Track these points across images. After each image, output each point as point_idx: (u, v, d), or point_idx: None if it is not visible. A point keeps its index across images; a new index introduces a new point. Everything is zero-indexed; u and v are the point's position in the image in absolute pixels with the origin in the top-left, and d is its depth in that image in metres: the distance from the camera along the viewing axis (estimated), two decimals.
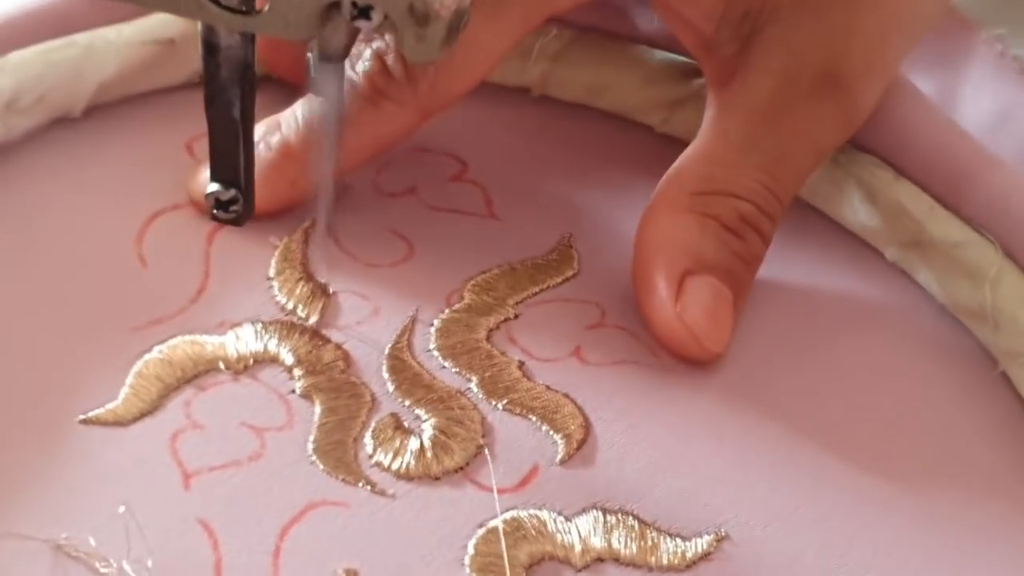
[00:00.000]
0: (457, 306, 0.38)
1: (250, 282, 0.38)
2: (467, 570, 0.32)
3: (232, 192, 0.35)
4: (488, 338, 0.38)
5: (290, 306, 0.38)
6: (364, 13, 0.32)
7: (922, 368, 0.39)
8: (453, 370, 0.37)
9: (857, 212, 0.42)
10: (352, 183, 0.42)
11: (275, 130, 0.39)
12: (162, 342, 0.36)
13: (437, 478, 0.34)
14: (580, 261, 0.40)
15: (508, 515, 0.33)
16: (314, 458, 0.34)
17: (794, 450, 0.36)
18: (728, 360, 0.38)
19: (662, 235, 0.38)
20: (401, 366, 0.37)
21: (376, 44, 0.38)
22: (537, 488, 0.34)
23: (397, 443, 0.35)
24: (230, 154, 0.34)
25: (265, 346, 0.36)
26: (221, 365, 0.36)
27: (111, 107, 0.43)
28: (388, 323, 0.38)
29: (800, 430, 0.36)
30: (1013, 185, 0.39)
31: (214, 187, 0.35)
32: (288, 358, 0.36)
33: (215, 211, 0.35)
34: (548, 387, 0.37)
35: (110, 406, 0.35)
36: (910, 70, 0.43)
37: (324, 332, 0.37)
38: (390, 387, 0.36)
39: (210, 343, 0.36)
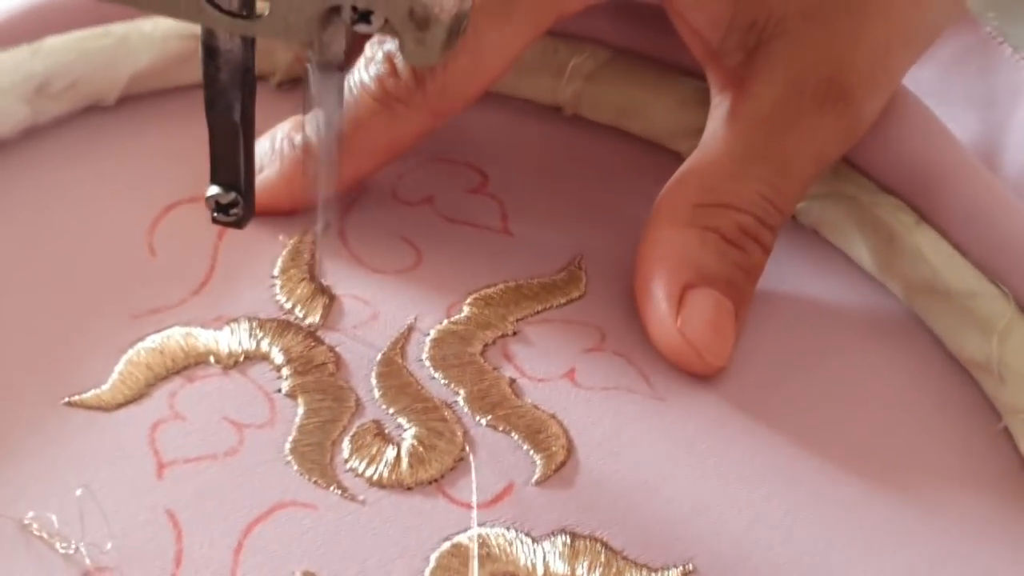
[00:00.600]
0: (456, 318, 0.38)
1: (254, 279, 0.39)
2: None
3: (232, 195, 0.35)
4: (483, 352, 0.37)
5: (289, 305, 0.38)
6: (364, 17, 0.32)
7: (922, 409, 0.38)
8: (442, 382, 0.37)
9: (874, 253, 0.41)
10: (370, 188, 0.42)
11: (300, 128, 0.39)
12: (158, 331, 0.37)
13: (410, 488, 0.34)
14: (588, 284, 0.40)
15: (472, 532, 0.33)
16: (289, 458, 0.34)
17: (776, 489, 0.35)
18: (717, 389, 0.38)
19: (663, 248, 0.38)
20: (390, 373, 0.37)
21: (387, 47, 0.38)
22: (509, 507, 0.34)
23: (374, 450, 0.35)
24: (231, 157, 0.34)
25: (258, 344, 0.37)
26: (212, 359, 0.36)
27: (144, 98, 0.44)
28: (385, 329, 0.38)
29: (785, 467, 0.36)
30: None
31: (214, 190, 0.35)
32: (278, 357, 0.36)
33: (215, 214, 0.35)
34: (536, 406, 0.36)
35: (97, 391, 0.35)
36: (955, 105, 0.42)
37: (319, 334, 0.37)
38: (376, 393, 0.36)
39: (204, 337, 0.37)
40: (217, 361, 0.36)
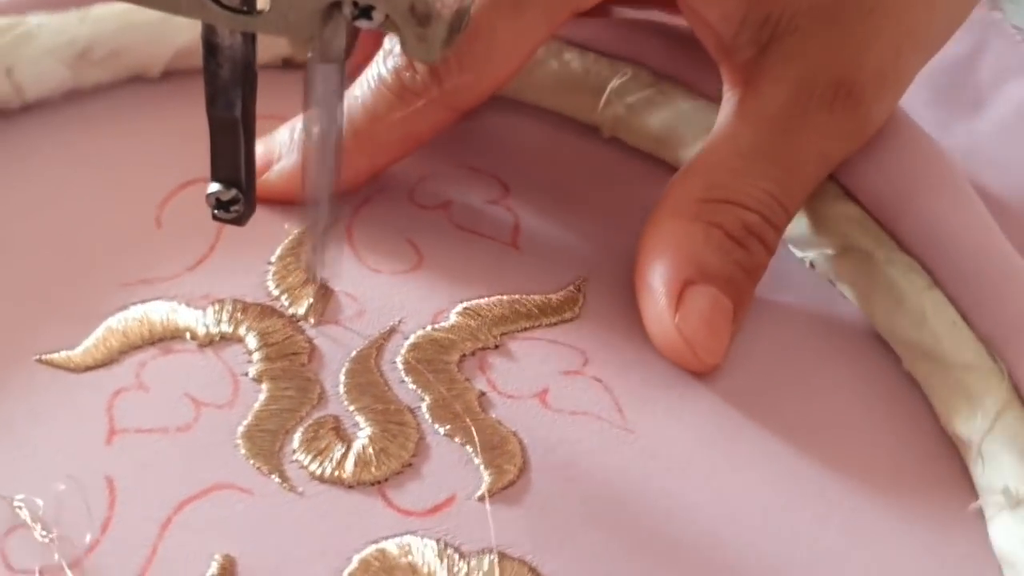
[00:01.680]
0: (440, 325, 0.38)
1: (250, 263, 0.39)
2: None
3: (233, 192, 0.35)
4: (460, 362, 0.37)
5: (276, 292, 0.38)
6: (365, 13, 0.32)
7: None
8: (411, 386, 0.36)
9: (883, 313, 0.39)
10: (388, 187, 0.42)
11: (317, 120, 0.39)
12: (143, 302, 0.37)
13: (351, 487, 0.34)
14: (584, 307, 0.39)
15: (402, 539, 0.33)
16: (239, 441, 0.34)
17: (718, 542, 0.34)
18: (691, 426, 0.37)
19: (666, 242, 0.38)
20: (360, 371, 0.36)
21: None
22: (445, 518, 0.34)
23: (323, 444, 0.35)
24: (231, 154, 0.34)
25: (236, 326, 0.37)
26: (188, 336, 0.37)
27: (191, 74, 0.45)
28: (367, 327, 0.38)
29: (731, 515, 0.35)
30: None
31: (215, 187, 0.35)
32: (253, 341, 0.37)
33: (216, 211, 0.35)
34: (499, 422, 0.36)
35: (68, 352, 0.36)
36: None
37: (300, 324, 0.37)
38: (341, 389, 0.36)
39: (186, 314, 0.37)
40: (193, 338, 0.36)
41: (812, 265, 0.42)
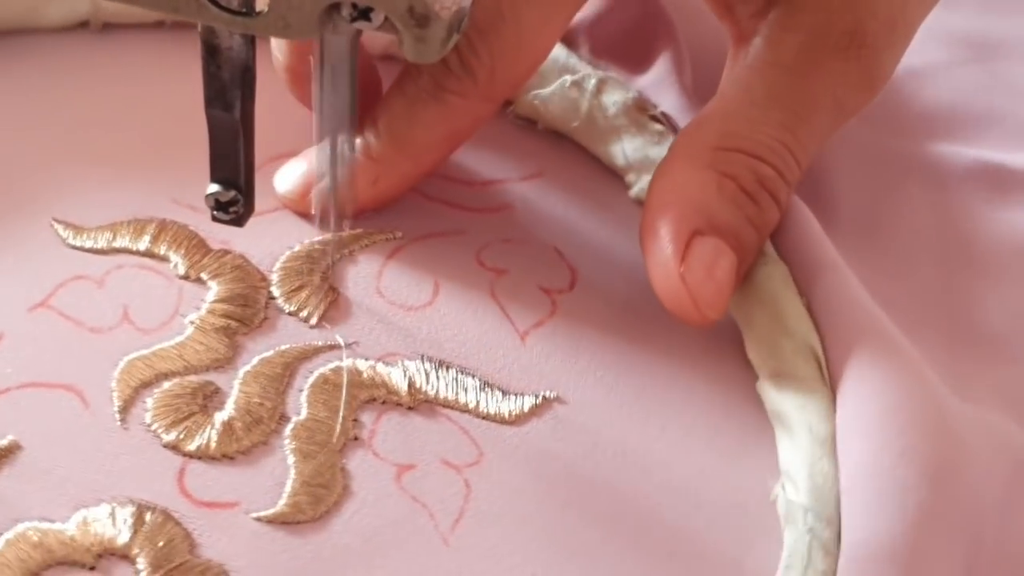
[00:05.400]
0: (374, 364, 0.37)
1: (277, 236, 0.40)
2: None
3: (232, 193, 0.35)
4: (365, 402, 0.37)
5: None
6: (364, 15, 0.33)
7: None
8: (303, 399, 0.36)
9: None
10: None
11: (357, 132, 0.40)
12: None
13: (170, 447, 0.35)
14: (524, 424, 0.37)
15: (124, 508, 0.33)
16: (121, 365, 0.37)
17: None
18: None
19: (678, 189, 0.38)
20: (275, 362, 0.37)
21: None
22: (218, 517, 0.34)
23: (183, 404, 0.36)
24: (230, 155, 0.35)
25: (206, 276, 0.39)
26: (173, 266, 0.39)
27: None
28: (319, 335, 0.38)
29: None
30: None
31: (214, 188, 0.35)
32: (214, 289, 0.38)
33: (215, 212, 0.35)
34: (343, 468, 0.35)
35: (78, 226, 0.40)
36: None
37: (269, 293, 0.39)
38: (246, 367, 0.37)
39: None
40: (175, 269, 0.39)
41: None
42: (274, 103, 0.38)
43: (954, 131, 0.49)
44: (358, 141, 0.40)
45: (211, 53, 0.34)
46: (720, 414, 0.38)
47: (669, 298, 0.37)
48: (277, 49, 0.40)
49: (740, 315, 0.39)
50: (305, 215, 0.41)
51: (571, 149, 0.45)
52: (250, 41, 0.34)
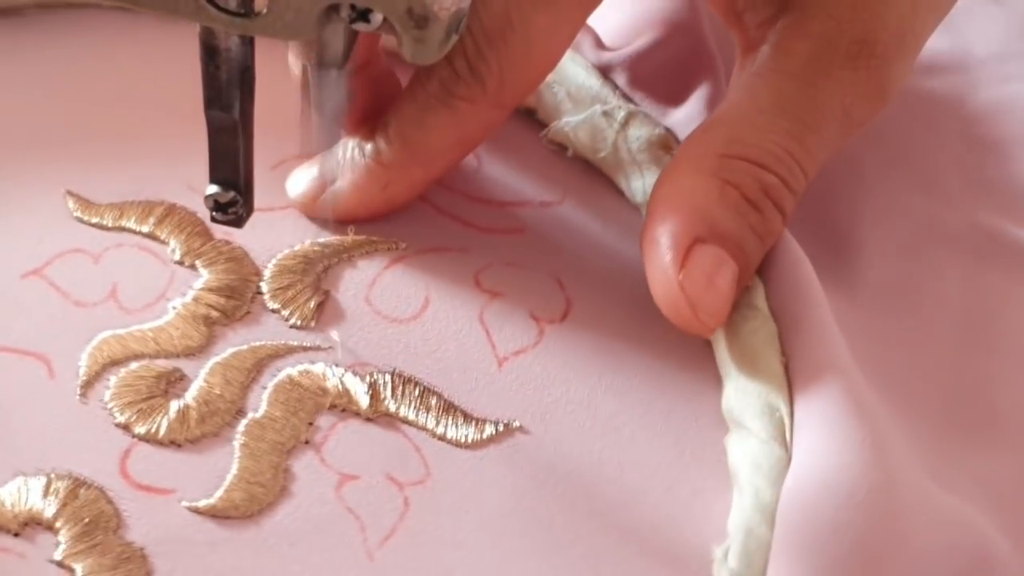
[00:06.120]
0: (347, 378, 0.37)
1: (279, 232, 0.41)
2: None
3: (231, 194, 0.35)
4: (328, 408, 0.37)
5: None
6: (363, 16, 0.33)
7: None
8: (264, 397, 0.37)
9: None
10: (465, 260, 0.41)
11: (369, 135, 0.40)
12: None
13: (122, 427, 0.35)
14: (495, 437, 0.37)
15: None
16: (105, 338, 0.37)
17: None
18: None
19: (680, 195, 0.37)
20: (245, 356, 0.37)
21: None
22: (158, 506, 0.34)
23: (143, 388, 0.36)
24: (230, 156, 0.35)
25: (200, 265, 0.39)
26: (170, 251, 0.39)
27: None
28: (297, 336, 0.38)
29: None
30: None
31: (213, 188, 0.35)
32: (205, 276, 0.39)
33: (214, 213, 0.36)
34: (287, 468, 0.35)
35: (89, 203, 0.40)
36: None
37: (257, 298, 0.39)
38: (215, 358, 0.37)
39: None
40: (173, 253, 0.39)
41: None
42: (284, 106, 0.39)
43: (1012, 209, 0.47)
44: (368, 146, 0.40)
45: (210, 54, 0.34)
46: (683, 465, 0.36)
47: (667, 305, 0.37)
48: (295, 66, 0.40)
49: (722, 367, 0.38)
50: (316, 218, 0.41)
51: (598, 180, 0.45)
52: (249, 42, 0.34)
